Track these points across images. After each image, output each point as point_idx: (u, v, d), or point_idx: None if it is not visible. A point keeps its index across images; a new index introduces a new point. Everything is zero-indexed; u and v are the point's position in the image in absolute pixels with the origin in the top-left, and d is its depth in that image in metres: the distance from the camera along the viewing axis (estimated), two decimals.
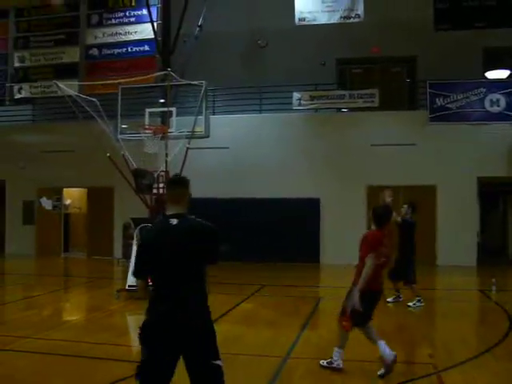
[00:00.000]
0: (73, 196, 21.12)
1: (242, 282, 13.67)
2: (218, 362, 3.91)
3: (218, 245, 4.10)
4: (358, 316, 6.16)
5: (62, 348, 7.35)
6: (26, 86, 21.29)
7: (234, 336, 8.21)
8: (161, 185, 13.07)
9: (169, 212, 4.04)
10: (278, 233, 17.07)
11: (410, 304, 10.30)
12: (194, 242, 3.92)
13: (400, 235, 10.61)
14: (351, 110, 18.16)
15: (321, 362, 6.48)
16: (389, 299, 10.47)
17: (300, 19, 17.96)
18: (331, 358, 6.39)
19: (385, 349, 6.13)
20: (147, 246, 4.01)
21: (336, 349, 6.40)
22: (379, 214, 6.62)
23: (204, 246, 3.94)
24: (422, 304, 10.36)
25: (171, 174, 12.99)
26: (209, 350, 3.89)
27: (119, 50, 20.31)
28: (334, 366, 6.35)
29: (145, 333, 3.87)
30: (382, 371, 6.11)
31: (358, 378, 6.30)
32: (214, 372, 3.90)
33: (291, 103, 17.87)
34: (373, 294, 6.29)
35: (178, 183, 4.21)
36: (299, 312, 10.04)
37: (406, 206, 11.05)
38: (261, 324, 9.27)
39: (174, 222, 3.93)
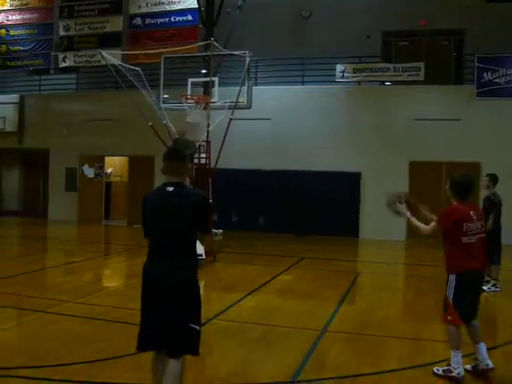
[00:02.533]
0: (114, 164, 21.35)
1: (280, 254, 13.67)
2: (195, 326, 4.06)
3: (208, 215, 4.38)
4: (462, 307, 5.23)
5: (102, 313, 7.48)
6: (70, 54, 21.48)
7: (271, 307, 8.25)
8: (202, 155, 13.13)
9: (166, 180, 4.25)
10: (317, 206, 17.02)
11: (485, 288, 8.67)
12: (185, 208, 4.12)
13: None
14: (395, 83, 17.81)
15: (435, 369, 5.38)
16: (484, 287, 8.68)
17: None
18: (448, 364, 5.28)
19: (484, 352, 5.30)
20: (144, 209, 4.29)
21: (452, 352, 5.27)
22: (458, 183, 5.42)
23: (195, 214, 4.13)
24: (498, 289, 9.42)
25: (213, 144, 13.03)
26: (188, 312, 4.03)
27: (162, 20, 20.27)
28: (454, 375, 5.17)
29: (141, 292, 4.18)
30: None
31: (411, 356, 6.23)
32: (189, 335, 4.03)
33: (334, 75, 17.61)
34: (469, 275, 5.24)
35: (174, 155, 4.35)
36: (337, 286, 10.00)
37: (486, 177, 9.73)
38: (299, 296, 9.26)
39: (170, 189, 4.16)
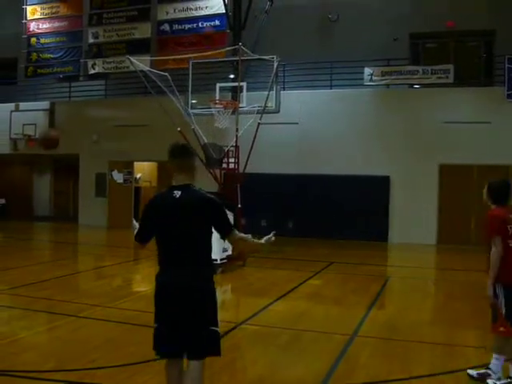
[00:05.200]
0: (143, 169, 21.53)
1: (309, 259, 13.63)
2: (216, 328, 4.03)
3: (223, 214, 4.15)
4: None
5: (132, 318, 7.53)
6: (99, 61, 21.74)
7: (300, 312, 8.22)
8: (231, 159, 13.16)
9: (174, 182, 4.10)
10: (346, 210, 16.94)
11: None
12: (197, 213, 4.00)
13: None
14: (424, 86, 17.64)
15: (472, 372, 5.31)
16: None
17: None
18: (487, 368, 5.20)
19: None
20: (149, 214, 4.16)
21: (495, 356, 5.18)
22: (496, 188, 5.36)
23: (207, 217, 4.03)
24: None
25: (241, 148, 13.06)
26: (208, 315, 4.01)
27: (190, 26, 20.40)
28: (492, 380, 5.08)
29: (155, 300, 4.10)
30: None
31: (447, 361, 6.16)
32: (211, 338, 4.01)
33: (362, 79, 17.51)
34: None
35: (185, 153, 4.18)
36: (367, 290, 9.93)
37: None
38: (328, 301, 9.21)
39: (178, 194, 4.00)
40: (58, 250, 16.09)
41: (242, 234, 4.25)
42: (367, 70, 17.43)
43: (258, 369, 5.71)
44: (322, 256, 13.99)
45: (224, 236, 4.18)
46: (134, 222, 4.48)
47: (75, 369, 5.50)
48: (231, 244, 3.85)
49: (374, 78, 17.47)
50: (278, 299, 8.94)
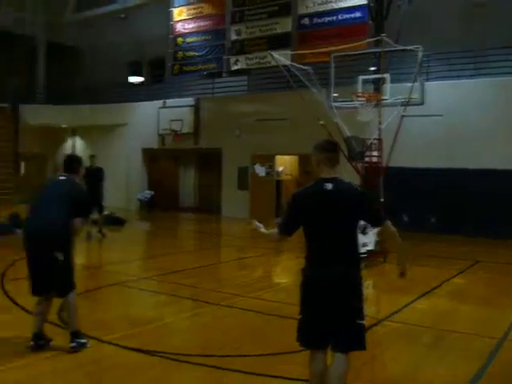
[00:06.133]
0: (285, 163, 21.76)
1: (452, 256, 13.10)
2: (362, 322, 4.09)
3: (375, 205, 4.32)
4: None
5: (273, 309, 7.65)
6: (241, 57, 22.21)
7: (444, 311, 7.94)
8: (374, 153, 12.95)
9: (323, 175, 4.14)
10: (493, 206, 15.96)
11: None
12: (349, 205, 4.05)
13: None
14: None
15: None
16: None
17: None
18: None
19: None
20: (297, 206, 4.22)
21: None
22: None
23: (360, 209, 4.08)
24: None
25: (384, 141, 12.80)
26: (355, 309, 4.06)
27: (330, 18, 20.24)
28: None
29: (302, 292, 4.19)
30: None
31: None
32: (358, 331, 4.06)
33: None
34: None
35: (335, 147, 4.30)
36: None
37: None
38: (473, 301, 8.79)
39: (329, 186, 4.05)
40: (202, 239, 16.75)
41: (394, 229, 4.21)
42: None
43: (399, 367, 5.60)
44: (466, 254, 13.38)
45: (377, 225, 4.36)
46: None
47: (220, 355, 5.69)
48: (381, 235, 3.97)
49: None
50: (420, 297, 8.68)
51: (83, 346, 5.70)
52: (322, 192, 4.07)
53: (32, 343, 5.65)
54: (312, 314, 4.12)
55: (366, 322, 4.17)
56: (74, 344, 5.66)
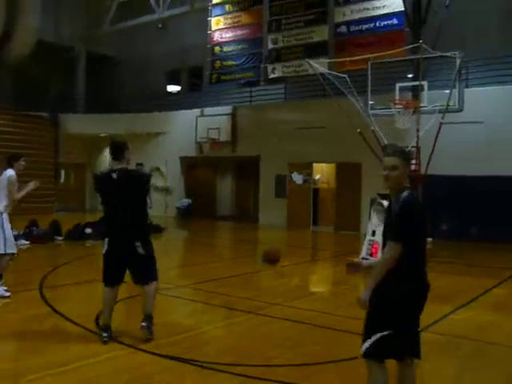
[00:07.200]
0: (322, 171, 21.68)
1: (494, 266, 12.81)
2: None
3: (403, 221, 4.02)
4: None
5: (310, 318, 7.59)
6: (278, 66, 22.29)
7: (486, 323, 7.73)
8: (412, 161, 12.80)
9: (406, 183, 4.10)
10: None
11: None
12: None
13: None
14: None
15: None
16: None
17: None
18: None
19: None
20: (418, 219, 4.03)
21: None
22: None
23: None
24: None
25: (422, 149, 12.65)
26: None
27: (367, 26, 20.19)
28: None
29: (408, 303, 4.04)
30: None
31: None
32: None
33: None
34: None
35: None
36: None
37: None
38: None
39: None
40: (239, 248, 16.75)
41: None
42: None
43: (438, 380, 5.48)
44: (508, 263, 13.07)
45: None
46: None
47: (254, 364, 5.66)
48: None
49: None
50: (460, 307, 8.49)
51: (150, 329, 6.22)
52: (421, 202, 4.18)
53: (106, 334, 6.10)
54: (407, 327, 4.14)
55: None
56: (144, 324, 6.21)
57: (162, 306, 7.94)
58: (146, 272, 6.25)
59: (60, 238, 15.26)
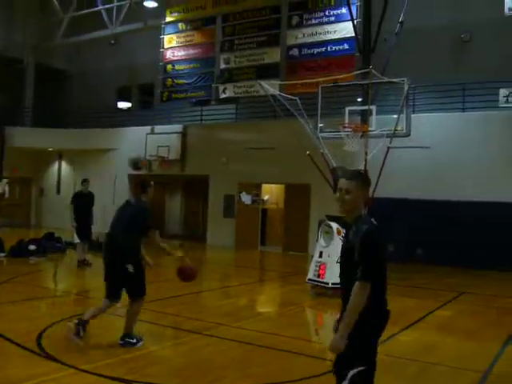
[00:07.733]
0: (271, 191, 21.80)
1: (438, 288, 13.09)
2: None
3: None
4: None
5: (256, 338, 7.57)
6: (230, 86, 22.41)
7: (429, 344, 7.88)
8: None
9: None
10: (476, 237, 15.99)
11: None
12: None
13: None
14: None
15: None
16: None
17: (510, 9, 16.68)
18: None
19: None
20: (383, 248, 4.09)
21: None
22: None
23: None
24: None
25: (370, 172, 12.84)
26: None
27: (318, 50, 20.54)
28: None
29: (375, 334, 3.99)
30: None
31: None
32: None
33: (497, 100, 16.67)
34: None
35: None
36: (503, 324, 9.37)
37: None
38: (459, 334, 8.75)
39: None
40: None
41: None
42: (503, 91, 16.57)
43: None
44: (452, 285, 13.39)
45: None
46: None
47: None
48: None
49: (510, 99, 16.59)
50: (405, 328, 8.63)
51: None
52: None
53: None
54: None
55: None
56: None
57: (109, 325, 7.79)
58: None
59: (2, 254, 14.81)
